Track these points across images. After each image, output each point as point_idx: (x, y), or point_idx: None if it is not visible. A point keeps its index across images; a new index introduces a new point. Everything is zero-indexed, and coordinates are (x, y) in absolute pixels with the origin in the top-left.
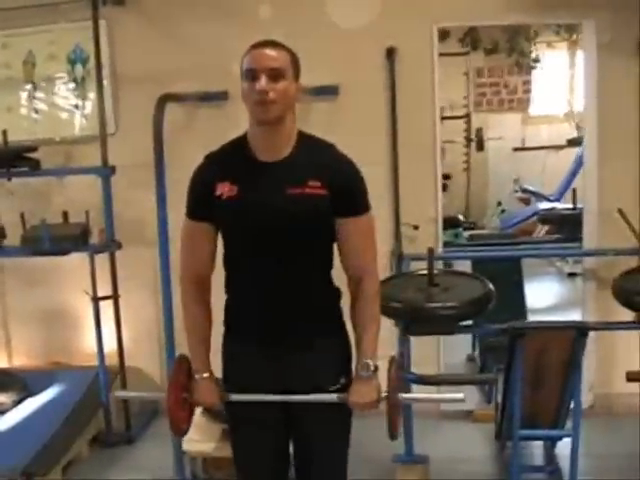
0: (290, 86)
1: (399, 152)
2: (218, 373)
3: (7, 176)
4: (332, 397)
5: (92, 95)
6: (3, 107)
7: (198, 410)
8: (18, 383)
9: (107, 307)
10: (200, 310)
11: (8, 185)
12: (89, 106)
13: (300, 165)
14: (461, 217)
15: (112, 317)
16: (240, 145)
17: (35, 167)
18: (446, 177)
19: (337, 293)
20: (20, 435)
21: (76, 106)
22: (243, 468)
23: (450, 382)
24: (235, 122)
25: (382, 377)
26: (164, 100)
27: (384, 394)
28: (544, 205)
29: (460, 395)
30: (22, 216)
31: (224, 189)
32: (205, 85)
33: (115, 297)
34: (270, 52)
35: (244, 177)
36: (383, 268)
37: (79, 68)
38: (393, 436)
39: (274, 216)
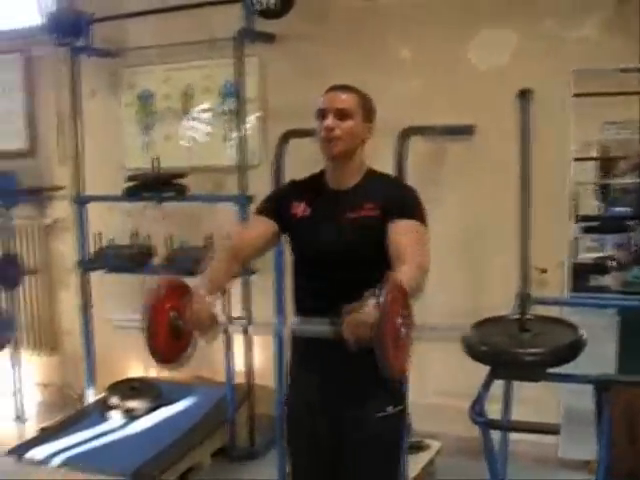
0: (356, 126)
1: (531, 194)
2: None
3: (157, 199)
4: (326, 329)
5: (241, 127)
6: (162, 135)
7: None
8: (153, 392)
9: None
10: (226, 259)
11: (164, 209)
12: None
13: (361, 193)
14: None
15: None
16: (318, 177)
17: (181, 193)
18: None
19: None
20: (142, 440)
21: (226, 137)
22: None
23: (515, 429)
24: (374, 156)
25: None
26: (287, 136)
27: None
28: None
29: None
30: (169, 238)
31: (299, 209)
32: None
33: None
34: (339, 94)
35: (317, 202)
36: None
37: (230, 101)
38: (384, 369)
39: (334, 238)
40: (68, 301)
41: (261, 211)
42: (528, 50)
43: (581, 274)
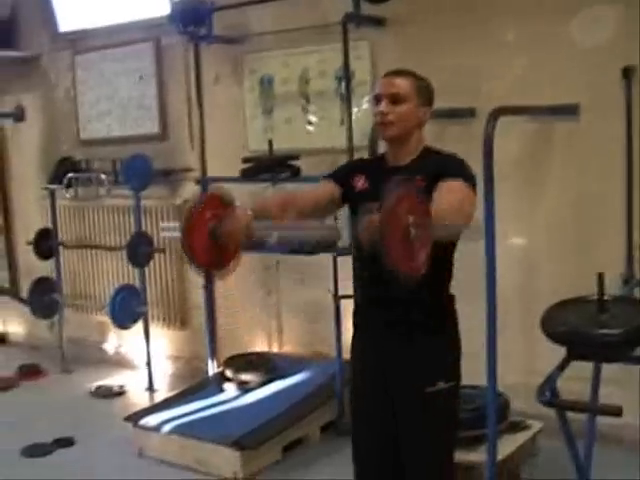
0: (410, 110)
1: (634, 173)
2: None
3: (272, 181)
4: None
5: (355, 110)
6: (283, 119)
7: None
8: (267, 366)
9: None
10: (279, 198)
11: (283, 190)
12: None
13: (415, 168)
14: None
15: None
16: (382, 156)
17: (295, 173)
18: None
19: (450, 298)
20: (250, 411)
21: (342, 120)
22: (356, 458)
23: (577, 409)
24: (481, 138)
25: None
26: None
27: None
28: None
29: None
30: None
31: (359, 182)
32: (455, 102)
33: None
34: (394, 79)
35: (376, 177)
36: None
37: (344, 85)
38: (389, 268)
39: None
40: (197, 278)
41: (328, 177)
42: (632, 26)
43: None
